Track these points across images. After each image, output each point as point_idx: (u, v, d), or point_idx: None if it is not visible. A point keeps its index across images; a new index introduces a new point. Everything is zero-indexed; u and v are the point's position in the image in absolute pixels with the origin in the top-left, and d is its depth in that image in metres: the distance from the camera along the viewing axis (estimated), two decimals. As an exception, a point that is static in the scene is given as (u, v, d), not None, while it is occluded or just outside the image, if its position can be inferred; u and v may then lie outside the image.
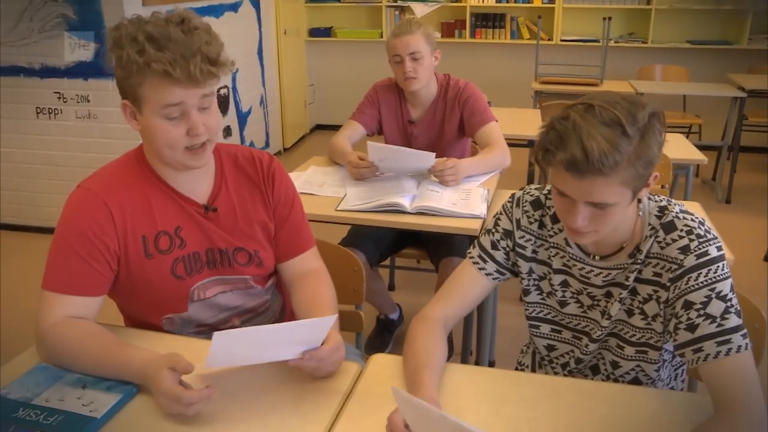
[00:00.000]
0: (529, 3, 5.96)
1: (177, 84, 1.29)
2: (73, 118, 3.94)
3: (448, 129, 2.70)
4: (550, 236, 1.41)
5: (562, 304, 1.43)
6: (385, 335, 2.97)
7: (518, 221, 1.44)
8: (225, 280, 1.54)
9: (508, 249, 1.46)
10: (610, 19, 5.09)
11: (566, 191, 1.18)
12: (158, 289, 1.47)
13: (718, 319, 1.17)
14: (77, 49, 3.76)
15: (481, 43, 6.15)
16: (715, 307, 1.18)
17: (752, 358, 1.16)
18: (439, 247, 2.54)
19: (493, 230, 1.47)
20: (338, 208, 2.20)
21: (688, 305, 1.21)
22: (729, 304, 1.18)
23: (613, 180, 1.13)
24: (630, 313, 1.35)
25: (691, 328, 1.19)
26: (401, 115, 2.76)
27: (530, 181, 4.06)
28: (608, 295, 1.36)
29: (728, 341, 1.16)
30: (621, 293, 1.33)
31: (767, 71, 5.28)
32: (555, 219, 1.41)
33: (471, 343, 2.38)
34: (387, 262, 3.23)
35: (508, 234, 1.45)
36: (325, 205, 2.24)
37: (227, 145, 1.59)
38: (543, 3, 5.91)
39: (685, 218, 1.26)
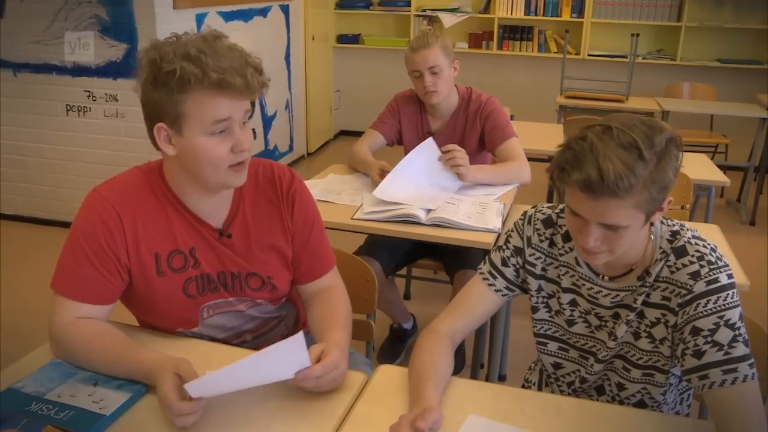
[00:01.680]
0: (557, 17, 5.95)
1: (226, 96, 1.28)
2: (102, 117, 4.02)
3: (468, 142, 2.70)
4: (561, 255, 1.42)
5: (570, 323, 1.44)
6: (397, 345, 2.97)
7: (529, 239, 1.45)
8: (235, 302, 1.54)
9: (518, 266, 1.47)
10: (638, 35, 5.05)
11: (580, 211, 1.19)
12: (169, 306, 1.48)
13: (726, 347, 1.17)
14: (107, 49, 3.83)
15: (508, 55, 6.15)
16: (723, 335, 1.18)
17: (758, 388, 1.16)
18: (455, 260, 2.55)
19: (504, 247, 1.48)
20: (354, 217, 2.22)
21: (695, 331, 1.21)
22: (737, 332, 1.18)
23: (627, 203, 1.13)
24: (637, 335, 1.35)
25: (698, 354, 1.19)
26: (421, 126, 2.78)
27: (549, 197, 4.04)
28: (616, 316, 1.36)
29: (734, 370, 1.15)
30: (628, 315, 1.33)
31: (797, 93, 5.22)
32: (566, 238, 1.41)
33: (482, 356, 2.39)
34: (404, 271, 3.25)
35: (518, 251, 1.46)
36: (342, 213, 2.26)
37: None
38: (571, 17, 5.89)
39: (696, 244, 1.26)
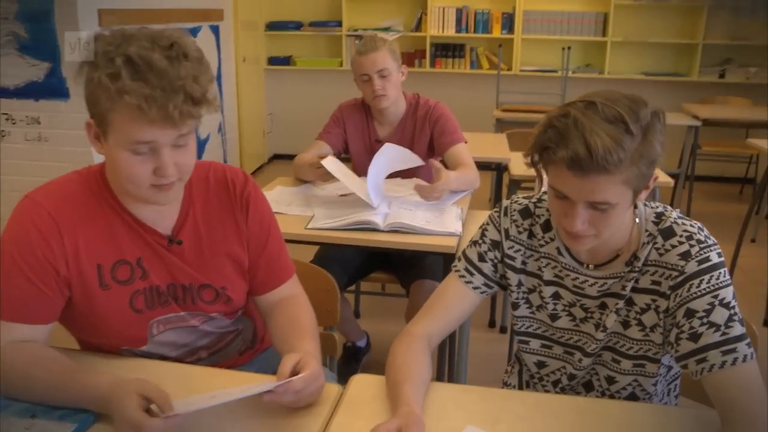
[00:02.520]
0: (488, 34, 6.03)
1: (150, 123, 1.14)
2: (22, 141, 3.76)
3: (417, 148, 2.63)
4: (541, 246, 1.35)
5: (553, 317, 1.36)
6: (352, 363, 2.86)
7: (507, 231, 1.37)
8: (188, 316, 1.40)
9: (496, 261, 1.39)
10: (569, 48, 5.16)
11: (566, 192, 1.13)
12: (114, 322, 1.33)
13: (723, 328, 1.12)
14: (27, 69, 3.61)
15: (441, 72, 6.18)
16: (719, 315, 1.13)
17: (757, 368, 1.11)
18: (410, 270, 2.46)
19: (480, 241, 1.40)
20: (308, 227, 2.10)
21: (690, 314, 1.15)
22: (732, 311, 1.14)
23: (616, 178, 1.08)
24: (626, 324, 1.28)
25: (695, 337, 1.14)
26: (368, 134, 2.70)
27: (495, 204, 4.03)
28: (603, 306, 1.30)
29: (734, 350, 1.10)
30: (617, 303, 1.27)
31: (719, 102, 5.43)
32: (546, 227, 1.34)
33: (443, 370, 2.29)
34: (352, 288, 3.14)
35: (496, 245, 1.38)
36: (295, 223, 2.14)
37: (199, 164, 1.42)
38: (502, 34, 5.98)
39: (684, 224, 1.22)
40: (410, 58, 6.18)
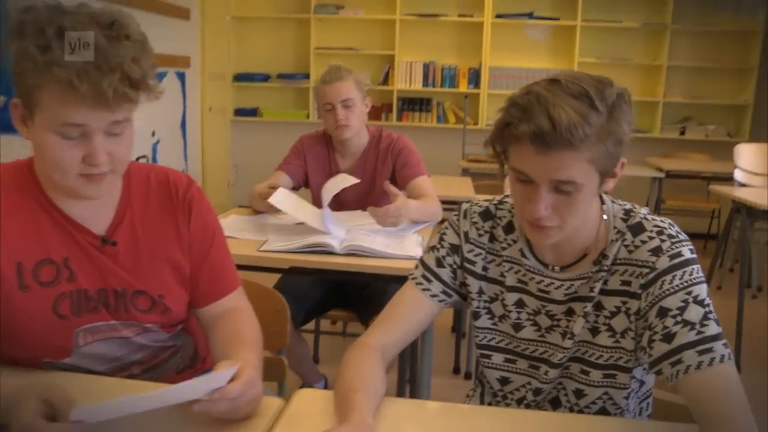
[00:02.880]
0: (454, 88, 6.09)
1: (82, 101, 1.05)
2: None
3: (379, 180, 2.57)
4: (503, 249, 1.27)
5: (517, 327, 1.26)
6: (309, 408, 2.69)
7: (466, 234, 1.29)
8: (119, 326, 1.27)
9: (455, 266, 1.30)
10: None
11: (529, 171, 1.06)
12: (34, 329, 1.20)
13: (697, 326, 1.04)
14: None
15: (408, 126, 6.19)
16: (693, 313, 1.05)
17: (735, 369, 1.03)
18: (369, 305, 2.35)
19: (438, 246, 1.32)
20: (261, 249, 1.99)
21: (663, 313, 1.07)
22: (707, 309, 1.06)
23: (581, 155, 1.02)
24: (595, 331, 1.19)
25: (668, 337, 1.05)
26: (329, 166, 2.63)
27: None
28: (569, 312, 1.21)
29: (710, 350, 1.02)
30: (585, 307, 1.18)
31: (680, 156, 5.51)
32: (508, 229, 1.27)
33: (404, 389, 2.16)
34: (311, 328, 3.01)
35: (455, 249, 1.30)
36: (247, 246, 2.02)
37: (139, 165, 1.35)
38: (468, 89, 6.04)
39: (653, 219, 1.16)
40: (377, 111, 6.19)
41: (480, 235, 1.28)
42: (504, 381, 1.31)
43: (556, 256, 1.20)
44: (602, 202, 1.19)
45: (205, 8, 5.60)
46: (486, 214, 1.29)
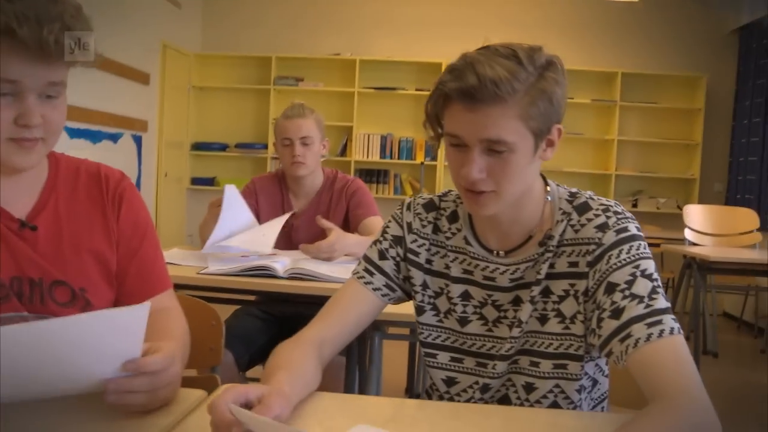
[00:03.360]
0: (411, 160, 6.17)
1: (18, 52, 0.99)
2: None
3: (332, 221, 2.52)
4: (448, 239, 1.22)
5: (463, 321, 1.20)
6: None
7: (409, 224, 1.25)
8: (33, 318, 1.15)
9: (398, 258, 1.25)
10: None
11: (460, 131, 1.04)
12: None
13: (646, 299, 1.00)
14: None
15: (366, 196, 6.21)
16: (642, 286, 1.02)
17: (685, 343, 0.98)
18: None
19: (381, 239, 1.27)
20: (202, 272, 1.90)
21: (611, 288, 1.03)
22: (656, 284, 1.03)
23: (510, 111, 1.01)
24: (544, 319, 1.14)
25: (617, 312, 1.01)
26: (283, 207, 2.58)
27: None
28: (517, 302, 1.15)
29: (659, 322, 0.98)
30: (532, 291, 1.13)
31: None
32: (452, 218, 1.23)
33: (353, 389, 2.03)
34: (258, 373, 2.85)
35: (398, 240, 1.25)
36: (186, 269, 1.93)
37: (70, 157, 1.28)
38: (425, 160, 6.12)
39: (599, 199, 1.14)
40: (335, 181, 6.21)
41: (423, 226, 1.24)
42: (450, 382, 1.23)
43: (500, 239, 1.16)
44: (546, 184, 1.17)
45: (166, 75, 5.65)
46: (430, 206, 1.26)
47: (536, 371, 1.15)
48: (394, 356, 2.85)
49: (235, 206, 2.23)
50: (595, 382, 1.19)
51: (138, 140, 5.20)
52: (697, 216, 3.93)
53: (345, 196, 2.55)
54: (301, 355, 1.09)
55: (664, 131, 6.05)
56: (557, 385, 1.14)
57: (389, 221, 1.29)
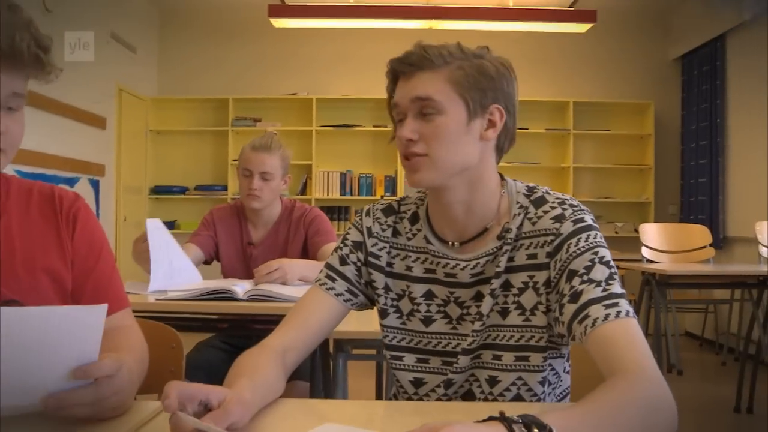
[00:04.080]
0: (372, 196, 6.20)
1: None
2: None
3: (291, 250, 2.52)
4: (408, 240, 1.24)
5: (427, 321, 1.21)
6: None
7: (369, 229, 1.26)
8: None
9: (359, 263, 1.25)
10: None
11: (398, 98, 1.14)
12: None
13: (603, 284, 1.04)
14: None
15: (329, 233, 6.21)
16: (599, 272, 1.05)
17: (639, 326, 1.01)
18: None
19: (341, 246, 1.28)
20: (159, 298, 1.87)
21: (571, 275, 1.07)
22: (613, 270, 1.07)
23: (439, 74, 1.10)
24: (504, 312, 1.15)
25: (575, 296, 1.04)
26: (241, 238, 2.57)
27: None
28: (478, 297, 1.17)
29: (616, 305, 1.01)
30: (492, 285, 1.15)
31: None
32: (413, 220, 1.25)
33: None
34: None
35: (358, 246, 1.26)
36: (145, 296, 1.90)
37: (23, 179, 1.27)
38: (385, 196, 6.16)
39: (555, 193, 1.18)
40: (297, 219, 6.21)
41: (383, 230, 1.26)
42: (418, 383, 1.22)
43: (456, 230, 1.19)
44: (502, 179, 1.20)
45: (123, 119, 5.63)
46: (388, 210, 1.27)
47: (498, 364, 1.16)
48: (359, 379, 2.82)
49: (161, 240, 2.18)
50: (558, 376, 1.20)
51: (95, 184, 5.14)
52: (653, 234, 4.02)
53: (303, 225, 2.55)
54: (264, 362, 1.08)
55: (618, 157, 6.22)
56: (520, 377, 1.15)
57: (349, 228, 1.29)
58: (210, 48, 6.37)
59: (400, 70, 1.13)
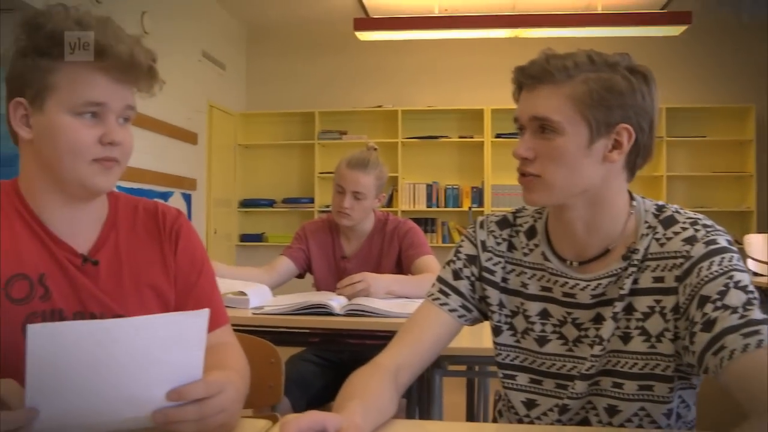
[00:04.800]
0: (458, 207, 6.14)
1: (107, 74, 1.07)
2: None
3: (385, 263, 2.50)
4: (525, 255, 1.19)
5: (542, 341, 1.15)
6: None
7: (483, 243, 1.22)
8: None
9: (473, 278, 1.21)
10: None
11: (518, 113, 1.09)
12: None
13: (740, 310, 0.94)
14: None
15: (413, 245, 6.18)
16: (735, 298, 0.96)
17: None
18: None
19: (455, 259, 1.24)
20: (256, 312, 1.88)
21: (703, 301, 0.98)
22: (752, 295, 0.97)
23: (561, 90, 1.03)
24: (627, 338, 1.08)
25: (709, 325, 0.95)
26: (334, 252, 2.57)
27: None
28: (598, 320, 1.10)
29: (757, 333, 0.91)
30: (614, 308, 1.08)
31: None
32: (530, 234, 1.20)
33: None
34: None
35: (472, 260, 1.22)
36: (239, 310, 1.92)
37: (129, 195, 1.32)
38: (472, 207, 6.08)
39: (686, 212, 1.09)
40: (382, 231, 6.22)
41: (498, 244, 1.21)
42: (530, 404, 1.17)
43: (576, 248, 1.12)
44: (632, 198, 1.13)
45: (213, 135, 5.80)
46: (503, 223, 1.23)
47: (619, 393, 1.08)
48: (449, 395, 2.76)
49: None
50: (688, 409, 1.11)
51: (188, 198, 5.31)
52: (759, 246, 3.78)
53: (397, 238, 2.52)
54: (376, 384, 1.05)
55: (715, 164, 5.92)
56: (642, 408, 1.07)
57: (462, 240, 1.26)
58: (296, 62, 6.49)
59: (522, 81, 1.08)
